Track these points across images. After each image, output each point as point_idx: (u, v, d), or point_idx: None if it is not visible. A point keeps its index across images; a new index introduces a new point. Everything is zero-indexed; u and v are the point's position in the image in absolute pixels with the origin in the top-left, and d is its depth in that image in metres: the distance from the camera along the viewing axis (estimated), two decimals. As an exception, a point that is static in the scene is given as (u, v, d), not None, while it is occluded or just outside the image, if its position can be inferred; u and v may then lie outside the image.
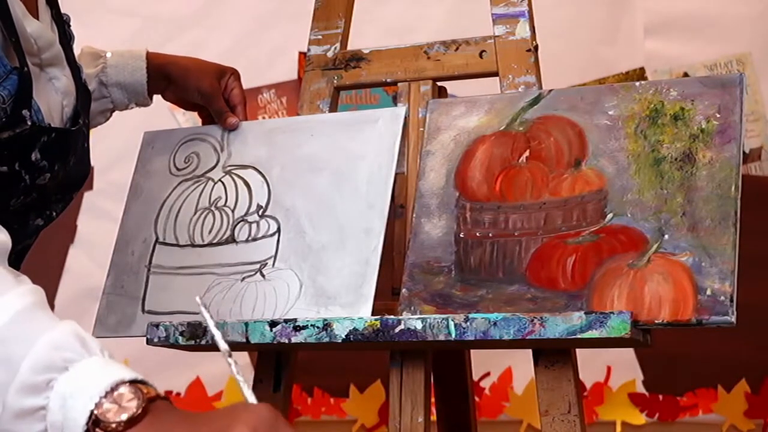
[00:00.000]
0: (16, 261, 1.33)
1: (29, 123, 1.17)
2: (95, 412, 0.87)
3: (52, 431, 0.89)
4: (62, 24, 1.33)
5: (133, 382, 0.89)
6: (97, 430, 0.87)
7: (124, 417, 0.86)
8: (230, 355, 0.94)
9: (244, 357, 2.45)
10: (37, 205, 1.28)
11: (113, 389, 0.88)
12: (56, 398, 0.89)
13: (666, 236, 1.26)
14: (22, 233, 1.29)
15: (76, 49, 1.41)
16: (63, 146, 1.25)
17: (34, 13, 1.24)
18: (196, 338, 1.36)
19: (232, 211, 1.49)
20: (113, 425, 0.86)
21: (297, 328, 1.32)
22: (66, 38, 1.33)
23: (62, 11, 1.36)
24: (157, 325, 1.39)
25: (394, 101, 1.57)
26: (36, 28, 1.22)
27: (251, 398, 0.91)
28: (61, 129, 1.24)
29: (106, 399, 0.87)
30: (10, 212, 1.22)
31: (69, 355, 0.90)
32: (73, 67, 1.33)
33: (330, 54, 1.61)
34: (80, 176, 1.35)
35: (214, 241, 1.48)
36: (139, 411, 0.87)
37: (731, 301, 1.19)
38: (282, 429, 0.86)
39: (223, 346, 0.94)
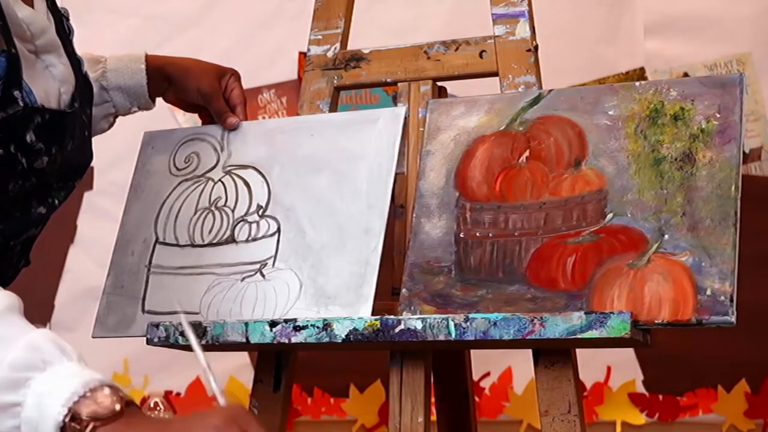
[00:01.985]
0: (22, 252, 1.33)
1: (21, 104, 1.18)
2: (74, 408, 0.90)
3: (26, 428, 0.92)
4: (59, 16, 1.34)
5: (109, 386, 0.93)
6: (72, 425, 0.90)
7: (102, 413, 0.90)
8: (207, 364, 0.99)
9: (244, 357, 2.45)
10: (38, 192, 1.28)
11: (93, 389, 0.92)
12: (33, 396, 0.92)
13: (666, 236, 1.26)
14: (25, 221, 1.29)
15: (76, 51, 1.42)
16: (59, 129, 1.25)
17: (28, 2, 1.25)
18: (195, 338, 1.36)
19: (232, 211, 1.49)
20: (88, 421, 0.90)
21: (297, 328, 1.32)
22: (64, 30, 1.34)
23: (62, 8, 1.36)
24: (157, 325, 1.39)
25: (394, 101, 1.57)
26: (28, 14, 1.23)
27: (218, 393, 0.95)
28: (54, 110, 1.25)
29: (85, 397, 0.91)
30: (10, 198, 1.23)
31: (48, 357, 0.94)
32: (73, 58, 1.33)
33: (330, 54, 1.60)
34: (81, 164, 1.35)
35: (214, 241, 1.48)
36: (117, 409, 0.91)
37: (731, 301, 1.19)
38: (244, 418, 0.91)
39: (201, 358, 0.99)
